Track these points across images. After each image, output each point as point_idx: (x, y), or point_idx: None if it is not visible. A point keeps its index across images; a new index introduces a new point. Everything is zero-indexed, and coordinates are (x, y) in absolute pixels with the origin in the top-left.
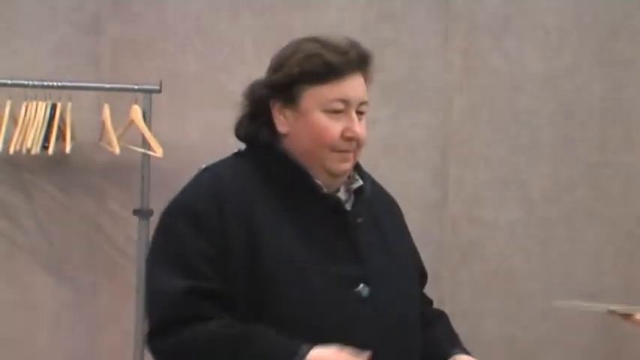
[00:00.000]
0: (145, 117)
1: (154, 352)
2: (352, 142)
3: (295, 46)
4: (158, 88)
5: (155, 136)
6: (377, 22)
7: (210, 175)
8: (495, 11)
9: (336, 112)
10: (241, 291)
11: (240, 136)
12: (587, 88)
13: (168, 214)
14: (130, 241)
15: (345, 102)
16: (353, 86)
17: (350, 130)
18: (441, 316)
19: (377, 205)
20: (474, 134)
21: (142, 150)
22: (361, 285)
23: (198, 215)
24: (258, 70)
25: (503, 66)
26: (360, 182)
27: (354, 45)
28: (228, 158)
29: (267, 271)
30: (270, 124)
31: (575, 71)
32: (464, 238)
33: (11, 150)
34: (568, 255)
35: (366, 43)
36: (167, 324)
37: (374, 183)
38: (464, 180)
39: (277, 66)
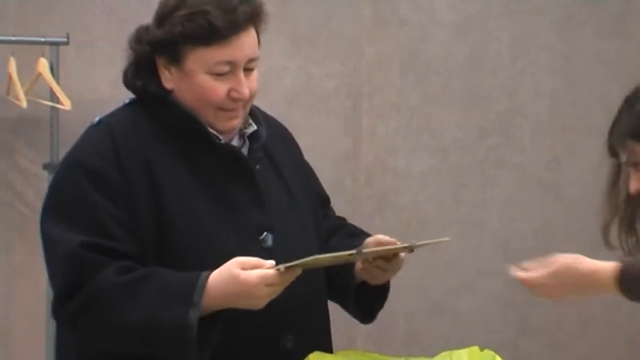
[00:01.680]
0: (53, 70)
1: (61, 322)
2: (239, 101)
3: (179, 0)
4: (66, 40)
5: (63, 89)
6: None
7: (106, 129)
8: None
9: (221, 74)
10: (146, 249)
11: (128, 85)
12: (497, 36)
13: (65, 169)
14: (41, 197)
15: (232, 63)
16: (240, 46)
17: (236, 91)
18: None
19: (274, 147)
20: (385, 84)
21: (50, 103)
22: (265, 233)
23: (97, 171)
24: None
25: (412, 15)
26: (254, 127)
27: (245, 0)
28: (120, 110)
29: (171, 226)
30: (157, 77)
31: (484, 19)
32: (377, 188)
33: None
34: (480, 202)
35: None
36: (68, 289)
37: (270, 122)
38: (376, 130)
39: (160, 19)
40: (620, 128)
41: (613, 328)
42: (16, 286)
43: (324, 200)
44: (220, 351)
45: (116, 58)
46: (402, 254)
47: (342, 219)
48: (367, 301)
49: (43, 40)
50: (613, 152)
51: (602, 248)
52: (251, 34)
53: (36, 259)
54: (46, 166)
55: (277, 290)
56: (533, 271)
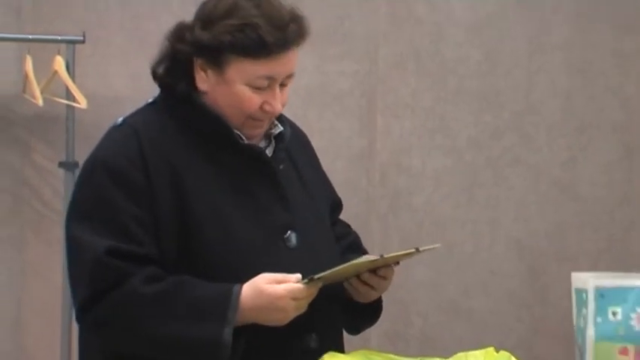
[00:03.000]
0: (69, 68)
1: (85, 327)
2: (270, 114)
3: (231, 4)
4: (82, 38)
5: (79, 87)
6: None
7: (131, 130)
8: None
9: (259, 88)
10: (169, 251)
11: (156, 79)
12: (512, 36)
13: (89, 171)
14: (56, 194)
15: (271, 79)
16: (283, 64)
17: (269, 104)
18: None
19: (294, 148)
20: (400, 83)
21: (66, 102)
22: (288, 232)
23: (123, 173)
24: (183, 19)
25: (428, 15)
26: (281, 128)
27: (294, 18)
28: (144, 110)
29: (196, 228)
30: (189, 75)
31: (500, 19)
32: (391, 187)
33: None
34: (494, 202)
35: None
36: (94, 294)
37: (291, 125)
38: (391, 129)
39: (207, 21)
40: None
41: None
42: (31, 282)
43: (337, 205)
44: (246, 351)
45: (132, 56)
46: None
47: (348, 226)
48: (356, 317)
49: (59, 38)
50: None
51: (615, 248)
52: (295, 52)
53: (51, 256)
54: (61, 164)
55: (303, 305)
56: None
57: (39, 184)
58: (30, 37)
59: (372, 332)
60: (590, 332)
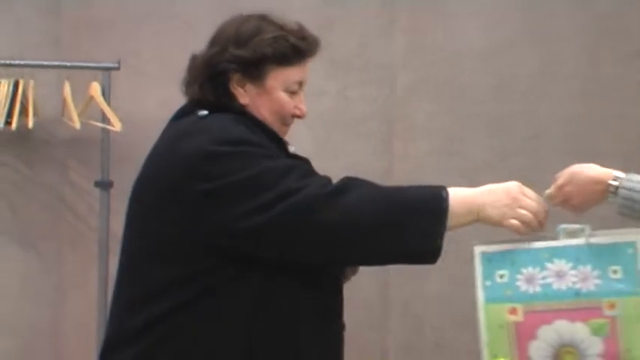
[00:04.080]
0: (105, 93)
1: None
2: (298, 117)
3: (255, 26)
4: (117, 65)
5: (114, 111)
6: (324, 2)
7: (235, 119)
8: None
9: (293, 92)
10: None
11: (198, 99)
12: (524, 64)
13: (229, 143)
14: (92, 212)
15: (300, 83)
16: (307, 68)
17: (299, 109)
18: None
19: None
20: (418, 108)
21: (102, 125)
22: None
23: (265, 145)
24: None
25: (444, 43)
26: (293, 148)
27: (305, 29)
28: (221, 115)
29: None
30: (226, 92)
31: (512, 47)
32: None
33: None
34: None
35: (314, 21)
36: (324, 186)
37: None
38: (408, 151)
39: (240, 41)
40: None
41: None
42: (68, 295)
43: None
44: (300, 334)
45: (163, 83)
46: None
47: None
48: None
49: (95, 65)
50: None
51: None
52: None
53: (87, 270)
54: (97, 184)
55: (532, 208)
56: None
57: (76, 202)
58: (68, 64)
59: (389, 345)
60: (480, 295)
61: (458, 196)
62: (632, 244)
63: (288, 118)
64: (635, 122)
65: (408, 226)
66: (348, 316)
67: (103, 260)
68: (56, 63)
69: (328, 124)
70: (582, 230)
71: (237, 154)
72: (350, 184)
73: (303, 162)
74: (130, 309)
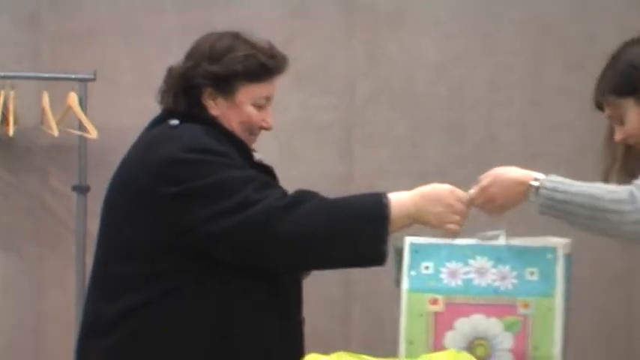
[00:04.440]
0: (81, 103)
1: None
2: (264, 129)
3: (228, 44)
4: (93, 77)
5: (90, 120)
6: (289, 16)
7: (203, 129)
8: (393, 7)
9: (260, 106)
10: None
11: (172, 109)
12: (475, 74)
13: (195, 151)
14: (70, 215)
15: (268, 98)
16: (274, 85)
17: (265, 122)
18: None
19: None
20: (375, 115)
21: (79, 132)
22: None
23: (228, 154)
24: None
25: (400, 55)
26: (261, 156)
27: (275, 48)
28: (191, 125)
29: None
30: (198, 103)
31: (464, 59)
32: None
33: None
34: None
35: (278, 35)
36: (280, 199)
37: None
38: (367, 156)
39: (213, 58)
40: (604, 84)
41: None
42: (49, 294)
43: None
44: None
45: (137, 93)
46: None
47: None
48: None
49: (73, 76)
50: (599, 106)
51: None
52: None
53: (66, 269)
54: (74, 188)
55: (463, 213)
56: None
57: (55, 206)
58: (47, 75)
59: (353, 336)
60: (405, 284)
61: (397, 202)
62: (552, 250)
63: (255, 130)
64: (578, 127)
65: (356, 234)
66: (314, 310)
67: (80, 260)
68: (35, 74)
69: (292, 132)
70: (498, 236)
71: (203, 162)
72: (302, 197)
73: (267, 170)
74: (104, 299)
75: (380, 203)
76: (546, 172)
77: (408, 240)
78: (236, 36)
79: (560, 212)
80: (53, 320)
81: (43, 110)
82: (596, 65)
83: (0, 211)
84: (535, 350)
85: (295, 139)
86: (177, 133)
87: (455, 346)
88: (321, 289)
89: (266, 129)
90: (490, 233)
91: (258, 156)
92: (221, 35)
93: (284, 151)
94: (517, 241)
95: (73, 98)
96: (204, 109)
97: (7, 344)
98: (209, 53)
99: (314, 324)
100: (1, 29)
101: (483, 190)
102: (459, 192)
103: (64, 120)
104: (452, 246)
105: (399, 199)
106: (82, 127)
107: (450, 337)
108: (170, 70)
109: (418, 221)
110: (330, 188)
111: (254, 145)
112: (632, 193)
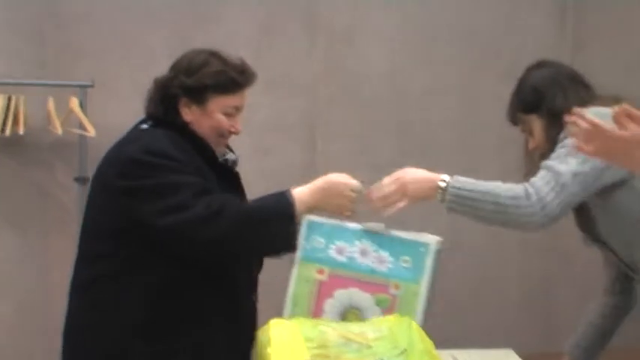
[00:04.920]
0: (82, 106)
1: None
2: (233, 134)
3: (203, 60)
4: (91, 84)
5: (89, 120)
6: (260, 33)
7: (164, 134)
8: (346, 25)
9: (229, 114)
10: None
11: (151, 114)
12: (418, 81)
13: (151, 153)
14: (72, 202)
15: (237, 108)
16: (243, 97)
17: (234, 128)
18: None
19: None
20: (334, 116)
21: (80, 131)
22: None
23: (178, 158)
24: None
25: (353, 66)
26: (234, 155)
27: (245, 64)
28: (159, 129)
29: None
30: (174, 110)
31: (408, 69)
32: None
33: None
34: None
35: (251, 48)
36: (208, 208)
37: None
38: (327, 150)
39: (189, 72)
40: (513, 105)
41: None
42: (53, 268)
43: None
44: (215, 307)
45: (129, 98)
46: None
47: None
48: None
49: (74, 84)
50: (513, 123)
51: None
52: (248, 89)
53: (68, 248)
54: (76, 179)
55: (355, 200)
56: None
57: (59, 195)
58: (51, 83)
59: None
60: (299, 253)
61: (300, 199)
62: (426, 245)
63: (225, 134)
64: (507, 128)
65: (271, 234)
66: (272, 290)
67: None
68: (42, 82)
69: (264, 129)
70: (380, 227)
71: (156, 164)
72: (226, 204)
73: (228, 170)
74: (75, 270)
75: (287, 203)
76: (477, 163)
77: (307, 217)
78: (213, 53)
79: (466, 208)
80: (58, 293)
81: (48, 113)
82: (521, 74)
83: (11, 198)
84: None
85: (266, 135)
86: (141, 136)
87: (332, 311)
88: (273, 268)
89: (235, 133)
90: (372, 224)
91: (231, 156)
92: (200, 52)
93: (257, 145)
94: (398, 233)
95: (74, 102)
96: (179, 115)
97: (17, 315)
98: (186, 67)
99: (272, 302)
100: (11, 44)
101: (397, 178)
102: (353, 182)
103: (66, 121)
104: (343, 227)
105: (301, 197)
106: (82, 126)
107: (329, 303)
108: (155, 81)
109: (318, 210)
110: (297, 177)
111: (231, 141)
112: (526, 190)
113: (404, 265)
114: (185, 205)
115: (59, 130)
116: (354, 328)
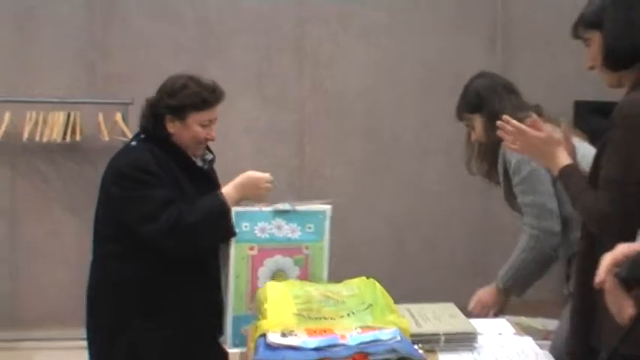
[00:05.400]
0: (124, 119)
1: (177, 236)
2: (210, 140)
3: (182, 84)
4: (131, 102)
5: (130, 130)
6: (260, 60)
7: (145, 150)
8: (328, 54)
9: (205, 125)
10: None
11: (144, 127)
12: (384, 98)
13: (134, 168)
14: None
15: (210, 120)
16: (215, 112)
17: (210, 135)
18: None
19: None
20: (318, 125)
21: (122, 138)
22: None
23: (154, 172)
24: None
25: (333, 86)
26: (212, 156)
27: (216, 85)
28: (143, 142)
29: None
30: (161, 124)
31: (375, 89)
32: (314, 187)
33: (44, 139)
34: (375, 195)
35: (255, 72)
36: (169, 223)
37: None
38: (313, 153)
39: (171, 93)
40: (460, 106)
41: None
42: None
43: None
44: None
45: None
46: None
47: None
48: None
49: (118, 101)
50: (459, 119)
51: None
52: (219, 105)
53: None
54: None
55: (269, 189)
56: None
57: None
58: (101, 101)
59: None
60: (233, 238)
61: (228, 195)
62: (323, 212)
63: (202, 142)
64: (451, 133)
65: (217, 229)
66: None
67: None
68: (93, 100)
69: (262, 136)
70: (287, 206)
71: (137, 178)
72: (179, 217)
73: (203, 173)
74: (94, 246)
75: (221, 202)
76: (429, 160)
77: (234, 209)
78: (191, 77)
79: (524, 282)
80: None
81: (98, 124)
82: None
83: (70, 189)
84: (312, 276)
85: (264, 140)
86: (129, 152)
87: (264, 277)
88: None
89: (210, 140)
90: (280, 205)
91: (209, 156)
92: (180, 77)
93: (257, 148)
94: (300, 207)
95: (118, 116)
96: (165, 128)
97: (77, 278)
98: (169, 90)
99: None
100: (69, 72)
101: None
102: (265, 175)
103: (112, 130)
104: (261, 212)
105: (229, 194)
106: (124, 135)
107: (261, 271)
108: (146, 100)
109: (243, 200)
110: (289, 175)
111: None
112: (532, 236)
113: (309, 230)
114: (154, 217)
115: (106, 138)
116: (331, 288)
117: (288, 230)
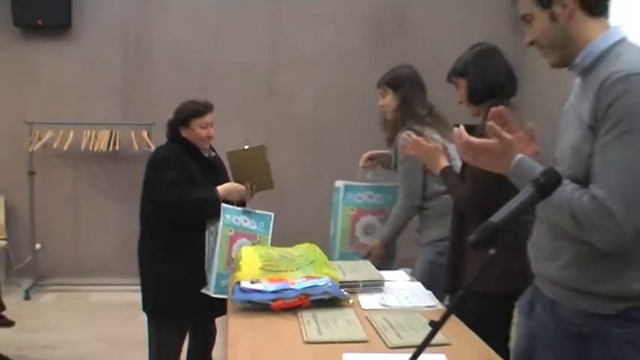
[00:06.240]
0: (149, 136)
1: (176, 202)
2: (211, 139)
3: (185, 104)
4: (154, 122)
5: (153, 143)
6: (241, 101)
7: (168, 148)
8: (289, 90)
9: (204, 127)
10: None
11: (168, 136)
12: (325, 122)
13: (161, 159)
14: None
15: (208, 123)
16: (209, 117)
17: (209, 134)
18: None
19: (219, 163)
20: (282, 139)
21: (147, 148)
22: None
23: (170, 160)
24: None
25: (293, 112)
26: (214, 153)
27: (208, 101)
28: (168, 144)
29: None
30: (177, 132)
31: (322, 113)
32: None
33: (95, 149)
34: (315, 170)
35: (238, 108)
36: (175, 195)
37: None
38: (276, 161)
39: (179, 112)
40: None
41: None
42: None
43: None
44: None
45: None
46: None
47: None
48: None
49: (143, 122)
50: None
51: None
52: (212, 113)
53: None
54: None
55: (245, 195)
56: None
57: (138, 186)
58: (132, 122)
59: None
60: (221, 223)
61: (220, 191)
62: (270, 216)
63: (205, 139)
64: (364, 128)
65: (209, 206)
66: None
67: None
68: (127, 122)
69: (273, 132)
70: (252, 209)
71: (160, 165)
72: (183, 193)
73: (209, 162)
74: (140, 218)
75: (214, 193)
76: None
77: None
78: (191, 101)
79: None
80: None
81: (131, 139)
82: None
83: (113, 187)
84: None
85: (275, 135)
86: (158, 148)
87: (236, 249)
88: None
89: (211, 138)
90: (249, 208)
91: (212, 154)
92: (188, 103)
93: (269, 141)
94: (258, 212)
95: (144, 133)
96: (179, 134)
97: (120, 249)
98: (178, 111)
99: None
100: (112, 102)
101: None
102: (241, 187)
103: (140, 143)
104: (236, 210)
105: (220, 190)
106: (148, 146)
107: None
108: (168, 121)
109: (228, 198)
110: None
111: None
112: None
113: (261, 226)
114: (164, 192)
115: (137, 148)
116: (287, 250)
117: (250, 224)
